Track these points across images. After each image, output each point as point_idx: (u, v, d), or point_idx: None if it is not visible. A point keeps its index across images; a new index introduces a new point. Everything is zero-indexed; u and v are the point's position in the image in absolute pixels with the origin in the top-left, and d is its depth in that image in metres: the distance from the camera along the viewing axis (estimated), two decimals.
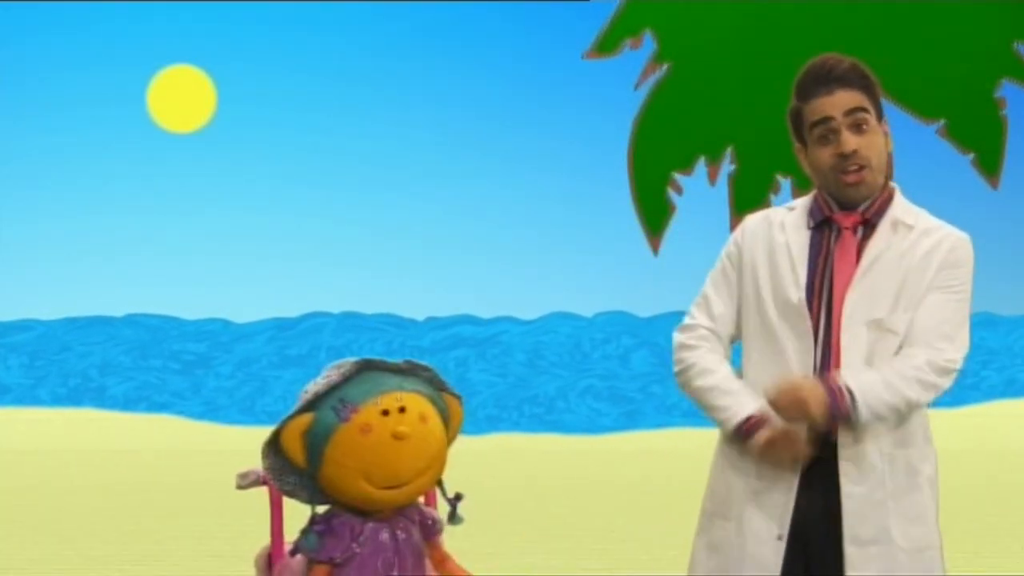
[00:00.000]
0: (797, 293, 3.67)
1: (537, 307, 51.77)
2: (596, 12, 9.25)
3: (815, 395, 3.54)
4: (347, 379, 3.44)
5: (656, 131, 8.87)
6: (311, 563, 3.38)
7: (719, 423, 3.73)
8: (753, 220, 3.88)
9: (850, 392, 3.55)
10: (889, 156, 3.77)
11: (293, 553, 3.44)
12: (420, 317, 50.19)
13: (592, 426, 45.19)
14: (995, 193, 8.29)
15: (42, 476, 21.81)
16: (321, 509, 3.49)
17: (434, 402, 3.45)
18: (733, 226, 4.07)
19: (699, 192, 8.63)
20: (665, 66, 8.86)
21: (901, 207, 3.75)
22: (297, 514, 3.58)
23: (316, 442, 3.36)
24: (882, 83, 8.49)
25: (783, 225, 3.78)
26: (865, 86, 3.71)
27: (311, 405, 3.42)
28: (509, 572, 9.76)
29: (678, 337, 3.84)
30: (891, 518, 3.60)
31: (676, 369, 3.82)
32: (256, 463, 3.63)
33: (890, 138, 3.78)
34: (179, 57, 43.19)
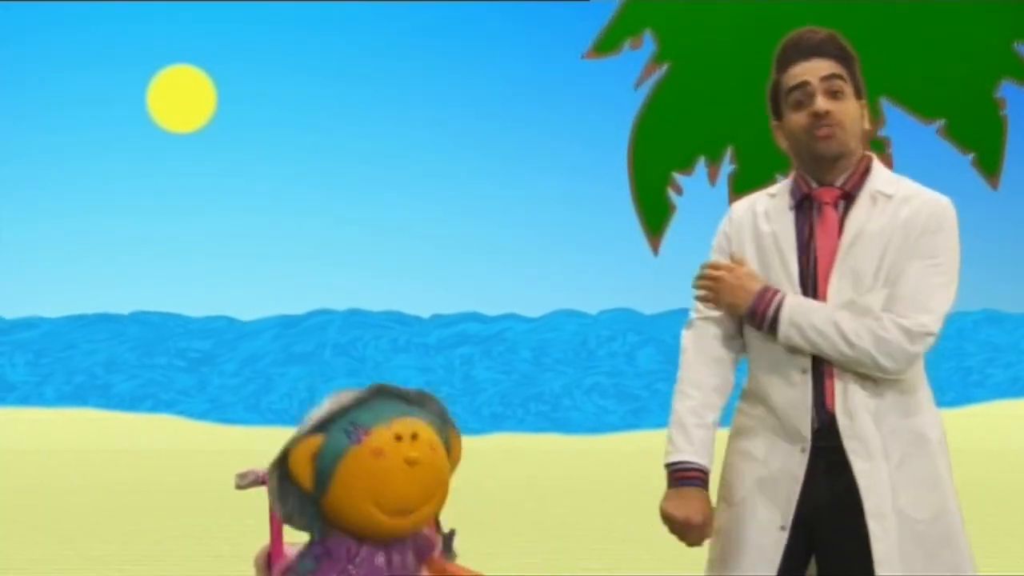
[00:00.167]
0: (788, 285, 3.67)
1: (542, 304, 51.96)
2: (596, 12, 9.20)
3: (737, 282, 3.67)
4: (359, 403, 3.41)
5: (656, 131, 8.83)
6: None
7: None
8: (739, 209, 3.86)
9: (780, 302, 3.61)
10: (864, 132, 3.73)
11: (284, 574, 3.43)
12: (425, 314, 50.34)
13: (598, 424, 45.21)
14: (995, 193, 8.25)
15: (43, 476, 21.85)
16: None
17: (439, 433, 3.43)
18: None
19: (699, 192, 8.59)
20: (665, 66, 8.81)
21: (880, 177, 3.70)
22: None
23: (326, 464, 3.33)
24: (882, 83, 8.40)
25: (767, 214, 3.76)
26: (842, 57, 3.70)
27: (321, 428, 3.39)
28: (509, 572, 9.76)
29: (682, 336, 3.85)
30: (901, 489, 3.58)
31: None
32: (257, 463, 3.61)
33: (867, 114, 3.73)
34: (179, 57, 43.28)
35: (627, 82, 8.90)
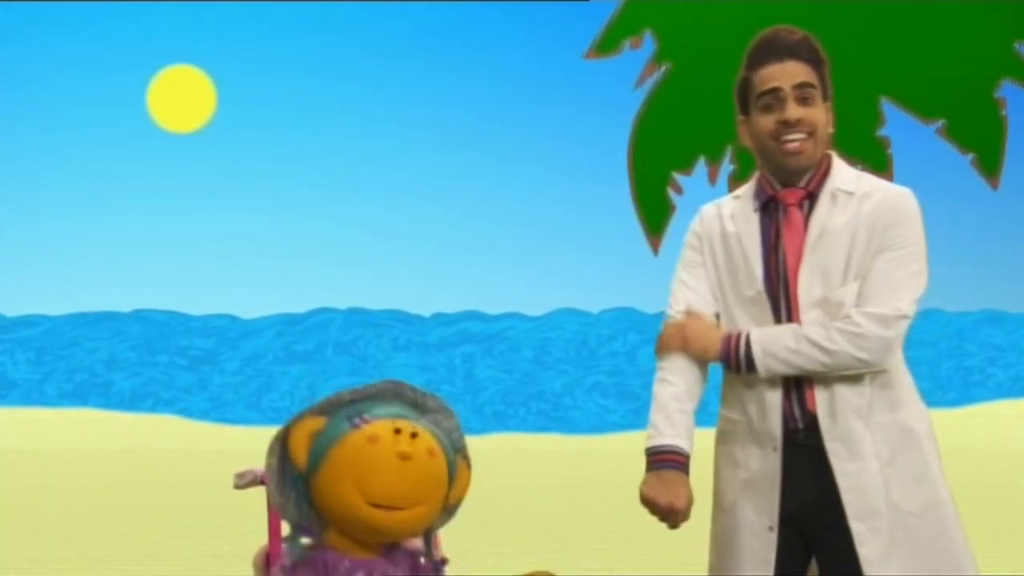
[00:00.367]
0: (753, 287, 3.69)
1: (543, 303, 51.91)
2: (596, 12, 9.20)
3: (700, 333, 3.68)
4: (372, 397, 3.41)
5: (656, 131, 8.83)
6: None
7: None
8: (708, 211, 3.88)
9: (747, 340, 3.62)
10: (830, 135, 3.75)
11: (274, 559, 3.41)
12: (427, 313, 50.27)
13: (599, 423, 45.19)
14: (995, 193, 8.25)
15: (43, 476, 21.86)
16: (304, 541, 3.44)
17: (445, 453, 3.40)
18: None
19: (699, 192, 8.59)
20: (665, 66, 8.81)
21: (840, 175, 3.73)
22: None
23: (322, 443, 3.34)
24: (882, 83, 8.40)
25: (732, 216, 3.78)
26: (814, 60, 3.71)
27: (326, 411, 3.39)
28: (509, 572, 9.75)
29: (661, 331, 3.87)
30: (892, 484, 3.59)
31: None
32: (257, 463, 3.61)
33: (832, 118, 3.75)
34: (179, 57, 43.27)
35: (627, 82, 8.90)
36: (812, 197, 3.68)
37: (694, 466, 3.65)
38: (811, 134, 3.64)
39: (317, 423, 3.35)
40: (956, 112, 8.12)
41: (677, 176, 8.69)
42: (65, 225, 54.85)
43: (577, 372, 48.21)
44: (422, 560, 3.42)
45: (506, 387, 47.57)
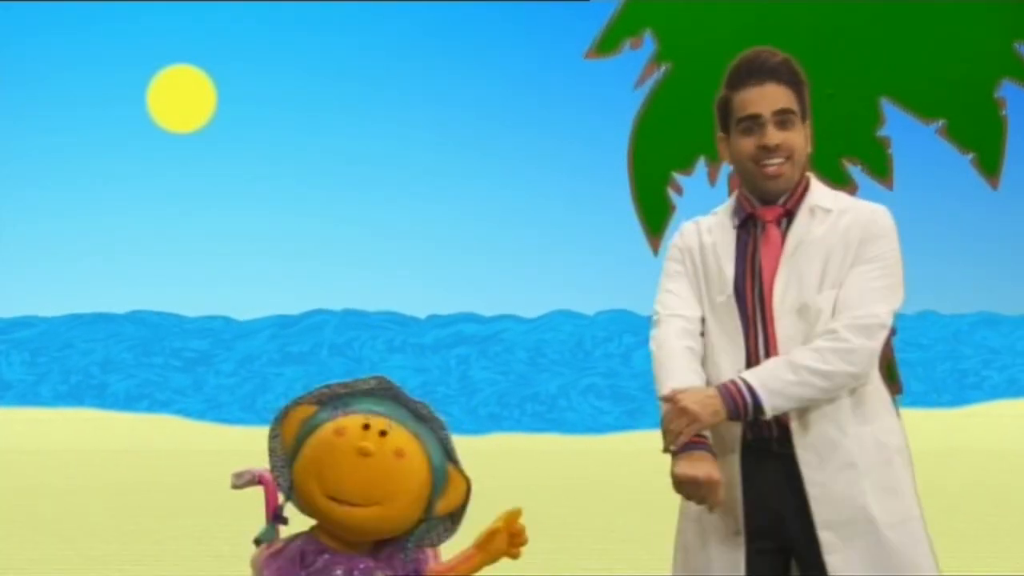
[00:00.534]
0: (724, 293, 3.74)
1: (539, 305, 51.78)
2: (596, 12, 9.20)
3: (699, 401, 3.59)
4: (363, 393, 3.41)
5: (656, 131, 8.84)
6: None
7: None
8: (688, 227, 3.96)
9: (748, 385, 3.59)
10: (808, 156, 3.81)
11: (257, 542, 3.41)
12: (422, 315, 50.20)
13: (594, 425, 45.18)
14: (995, 193, 8.26)
15: (42, 476, 21.81)
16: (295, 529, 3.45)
17: (429, 458, 3.37)
18: None
19: (699, 192, 8.61)
20: (665, 66, 8.82)
21: (818, 193, 3.80)
22: (295, 514, 3.56)
23: (304, 432, 3.36)
24: (882, 83, 8.40)
25: (710, 229, 3.87)
26: (794, 83, 3.76)
27: (322, 400, 3.40)
28: (509, 572, 9.75)
29: (653, 334, 3.89)
30: (868, 495, 3.61)
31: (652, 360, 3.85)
32: (254, 463, 3.63)
33: (811, 140, 3.82)
34: (179, 57, 43.18)
35: (627, 82, 8.91)
36: (790, 215, 3.75)
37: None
38: (789, 158, 3.71)
39: (309, 411, 3.36)
40: (956, 112, 8.13)
41: (677, 176, 8.69)
42: (62, 226, 54.77)
43: (572, 374, 48.17)
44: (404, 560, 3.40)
45: (501, 389, 47.53)
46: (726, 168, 8.75)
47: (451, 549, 3.53)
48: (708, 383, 3.72)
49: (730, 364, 3.70)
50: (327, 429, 3.31)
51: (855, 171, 8.19)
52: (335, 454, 3.27)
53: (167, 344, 48.31)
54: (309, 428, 3.35)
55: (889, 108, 8.28)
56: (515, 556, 3.40)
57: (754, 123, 3.71)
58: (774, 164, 3.70)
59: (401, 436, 3.31)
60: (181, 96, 42.34)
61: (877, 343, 3.63)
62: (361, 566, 3.31)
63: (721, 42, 8.40)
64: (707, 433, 3.65)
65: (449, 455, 3.41)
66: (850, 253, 3.68)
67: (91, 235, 54.39)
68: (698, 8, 8.68)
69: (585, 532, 13.14)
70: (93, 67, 49.78)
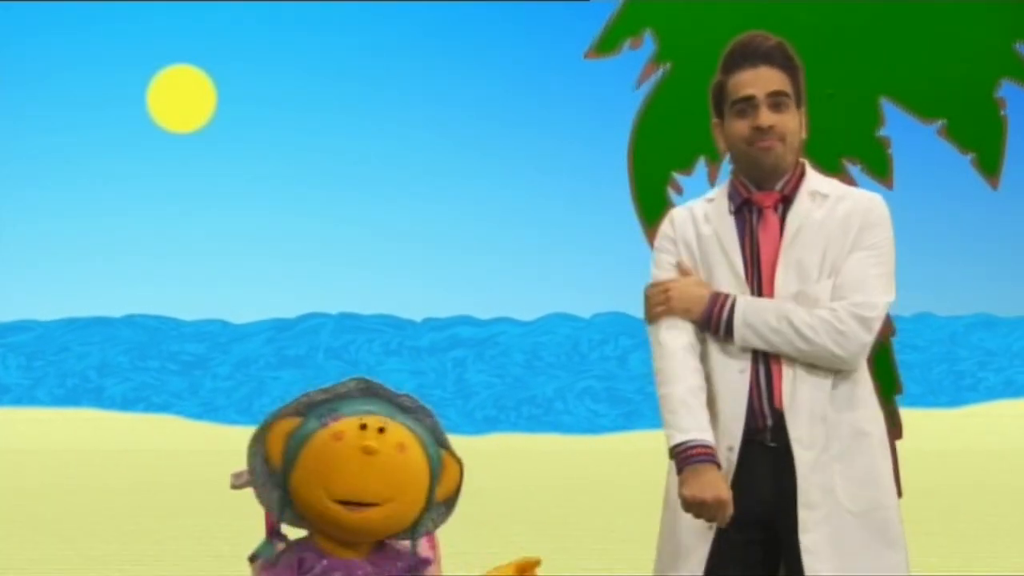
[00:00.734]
0: (735, 280, 3.73)
1: (535, 308, 51.84)
2: (596, 12, 9.20)
3: (686, 294, 3.69)
4: (346, 396, 3.40)
5: (656, 131, 8.83)
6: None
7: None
8: (680, 214, 3.94)
9: (732, 307, 3.64)
10: (802, 141, 3.82)
11: (253, 559, 3.39)
12: (418, 318, 50.25)
13: (590, 426, 45.22)
14: (995, 193, 8.27)
15: (42, 476, 21.82)
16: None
17: (424, 447, 3.37)
18: None
19: (699, 192, 8.60)
20: (665, 66, 8.83)
21: (815, 179, 3.82)
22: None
23: (294, 445, 3.32)
24: (882, 83, 8.41)
25: (707, 217, 3.85)
26: (788, 67, 3.77)
27: (302, 411, 3.38)
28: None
29: (653, 334, 3.87)
30: (837, 480, 3.64)
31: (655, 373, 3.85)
32: None
33: (805, 126, 3.83)
34: (179, 57, 43.24)
35: (627, 82, 8.91)
36: (787, 201, 3.75)
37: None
38: (783, 140, 3.72)
39: (292, 424, 3.34)
40: (956, 112, 8.13)
41: (677, 176, 8.70)
42: (62, 226, 54.77)
43: (568, 376, 48.22)
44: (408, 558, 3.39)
45: (497, 392, 47.58)
46: (726, 168, 8.79)
47: (445, 535, 3.52)
48: (707, 377, 3.73)
49: (730, 354, 3.71)
50: (322, 436, 3.28)
51: (855, 171, 8.21)
52: (339, 458, 3.25)
53: (164, 347, 48.33)
54: (299, 440, 3.31)
55: (889, 108, 8.29)
56: None
57: (748, 105, 3.72)
58: (767, 140, 3.71)
59: (398, 430, 3.31)
60: (181, 96, 42.38)
61: (871, 337, 3.66)
62: (360, 572, 3.31)
63: (721, 42, 8.38)
64: (712, 442, 3.65)
65: (440, 441, 3.42)
66: (849, 239, 3.70)
67: (90, 235, 54.40)
68: (698, 8, 8.68)
69: (585, 532, 13.16)
70: (93, 67, 49.82)
